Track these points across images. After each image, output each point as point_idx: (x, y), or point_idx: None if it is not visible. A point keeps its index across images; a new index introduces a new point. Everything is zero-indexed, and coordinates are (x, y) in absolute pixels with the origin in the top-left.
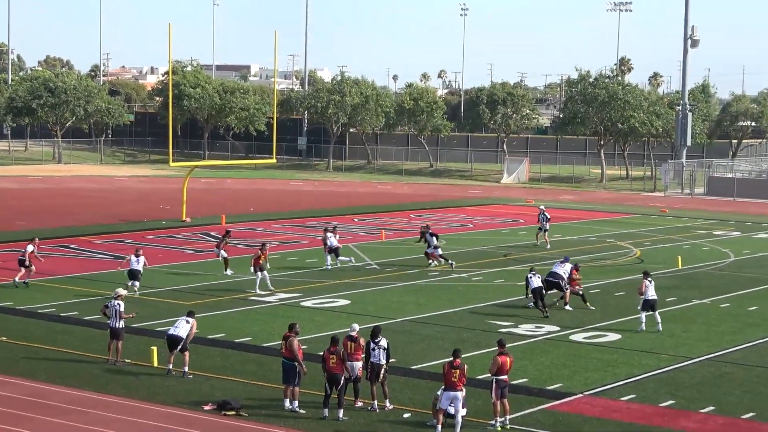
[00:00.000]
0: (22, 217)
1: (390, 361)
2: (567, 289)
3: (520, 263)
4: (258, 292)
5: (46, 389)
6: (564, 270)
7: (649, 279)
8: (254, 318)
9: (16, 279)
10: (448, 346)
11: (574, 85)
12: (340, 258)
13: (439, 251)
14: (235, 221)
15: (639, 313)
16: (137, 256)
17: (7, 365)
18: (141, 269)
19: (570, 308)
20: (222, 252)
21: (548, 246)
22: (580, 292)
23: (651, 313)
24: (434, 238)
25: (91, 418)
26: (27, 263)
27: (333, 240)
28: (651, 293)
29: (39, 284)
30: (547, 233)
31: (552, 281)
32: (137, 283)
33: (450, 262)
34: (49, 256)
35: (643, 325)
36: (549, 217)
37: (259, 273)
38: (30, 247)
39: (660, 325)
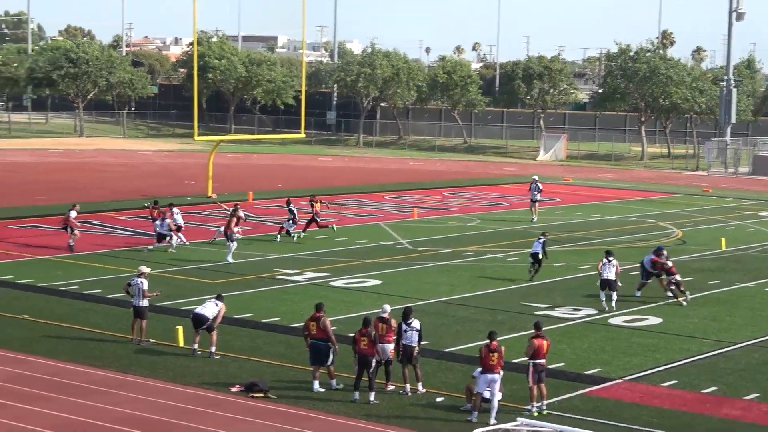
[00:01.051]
0: (42, 192)
1: (422, 343)
2: (662, 276)
3: (557, 243)
4: (229, 260)
5: (68, 369)
6: (647, 260)
7: (609, 258)
8: (282, 298)
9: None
10: (482, 328)
11: (614, 59)
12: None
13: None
14: (262, 198)
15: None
16: (162, 220)
17: (29, 344)
18: (166, 232)
19: (670, 294)
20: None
21: (535, 218)
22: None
23: (609, 292)
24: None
25: (114, 398)
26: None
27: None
28: (606, 273)
29: (61, 261)
30: (537, 204)
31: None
32: (175, 240)
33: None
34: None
35: (604, 303)
36: (541, 188)
37: (233, 242)
38: (73, 213)
39: (614, 303)
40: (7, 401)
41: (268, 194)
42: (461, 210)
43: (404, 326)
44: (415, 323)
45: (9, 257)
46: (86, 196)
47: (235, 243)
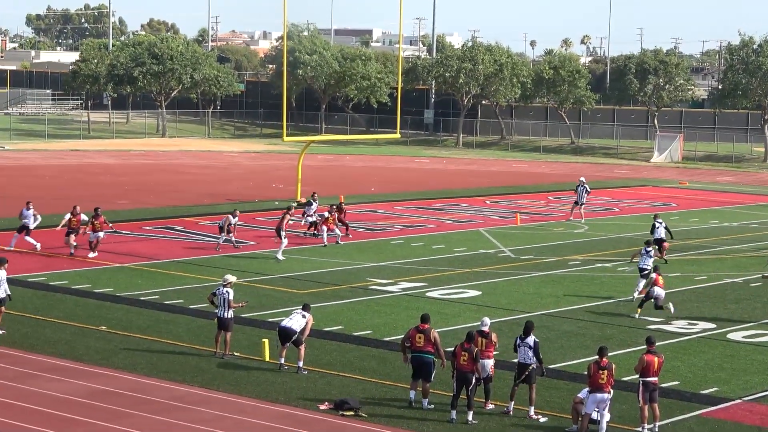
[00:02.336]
0: (124, 195)
1: (541, 363)
2: None
3: (671, 252)
4: (279, 258)
5: (148, 383)
6: None
7: (647, 249)
8: (375, 309)
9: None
10: (590, 343)
11: (736, 52)
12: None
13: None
14: (355, 202)
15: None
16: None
17: (107, 357)
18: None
19: None
20: (99, 234)
21: (582, 221)
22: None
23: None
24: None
25: (196, 415)
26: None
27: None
28: (644, 263)
29: (141, 269)
30: (583, 207)
31: None
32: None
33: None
34: (152, 238)
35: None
36: (589, 190)
37: (284, 238)
38: (234, 219)
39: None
40: (85, 417)
41: (360, 198)
42: (567, 216)
43: (518, 341)
44: (529, 339)
45: (87, 264)
46: (168, 199)
47: (285, 240)
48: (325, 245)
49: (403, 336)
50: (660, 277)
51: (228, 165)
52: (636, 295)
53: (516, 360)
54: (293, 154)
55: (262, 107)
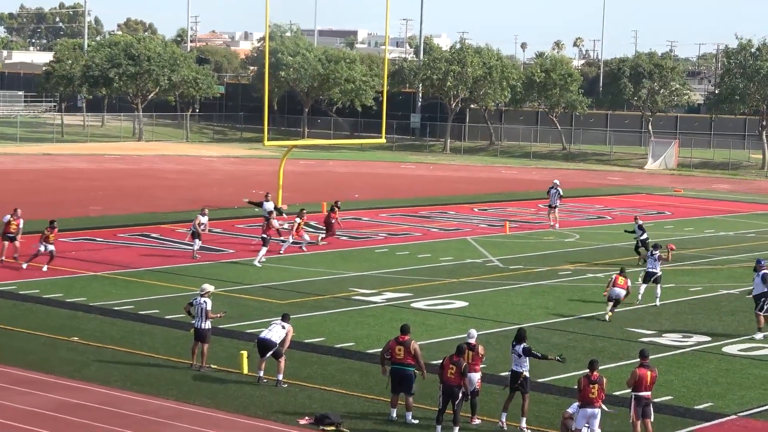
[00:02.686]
0: (98, 201)
1: (549, 358)
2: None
3: (666, 262)
4: (263, 260)
5: (122, 397)
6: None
7: (653, 252)
8: (358, 321)
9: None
10: (580, 356)
11: (733, 55)
12: None
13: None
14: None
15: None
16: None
17: (79, 369)
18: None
19: None
20: (49, 246)
21: (557, 226)
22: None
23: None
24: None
25: (170, 430)
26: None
27: None
28: (652, 267)
29: (115, 278)
30: (557, 210)
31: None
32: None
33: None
34: (127, 246)
35: (640, 296)
36: (562, 194)
37: (265, 246)
38: (204, 219)
39: (658, 298)
40: (53, 431)
41: (344, 205)
42: (558, 224)
43: (511, 350)
44: (518, 347)
45: (59, 273)
46: (144, 205)
47: (266, 247)
48: (280, 253)
49: (382, 348)
50: (620, 278)
51: (206, 170)
52: (639, 299)
53: (507, 372)
54: (274, 159)
55: (242, 110)
